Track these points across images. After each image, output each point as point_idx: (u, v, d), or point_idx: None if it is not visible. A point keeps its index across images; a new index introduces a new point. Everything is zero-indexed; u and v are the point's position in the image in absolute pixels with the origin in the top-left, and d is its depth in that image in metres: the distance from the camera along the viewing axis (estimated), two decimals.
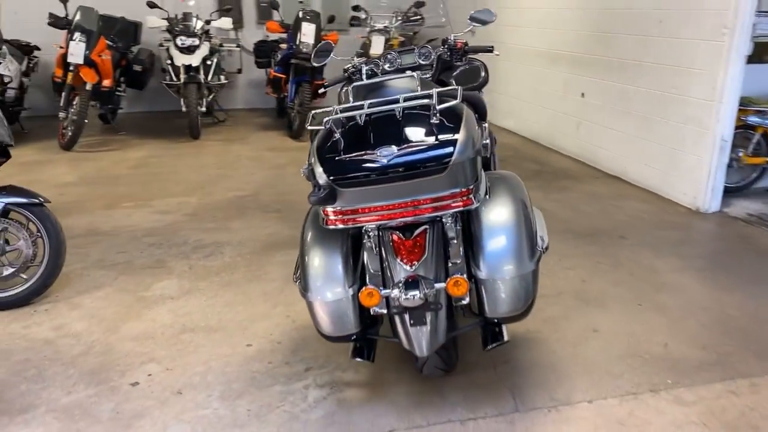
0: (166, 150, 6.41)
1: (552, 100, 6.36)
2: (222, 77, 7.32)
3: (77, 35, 6.22)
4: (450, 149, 1.77)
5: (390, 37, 6.97)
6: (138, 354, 2.61)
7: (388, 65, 3.21)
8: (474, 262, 2.02)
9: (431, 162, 1.77)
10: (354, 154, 1.81)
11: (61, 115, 6.29)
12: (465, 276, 1.96)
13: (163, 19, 6.88)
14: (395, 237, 2.02)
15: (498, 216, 2.08)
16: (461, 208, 1.87)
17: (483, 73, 3.30)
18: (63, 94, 6.28)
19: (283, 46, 7.01)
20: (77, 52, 6.17)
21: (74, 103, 6.26)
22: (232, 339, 2.71)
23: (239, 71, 8.17)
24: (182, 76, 6.71)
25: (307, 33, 6.66)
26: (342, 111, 1.91)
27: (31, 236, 3.03)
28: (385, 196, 1.81)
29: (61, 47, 6.35)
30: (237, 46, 8.04)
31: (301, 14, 6.75)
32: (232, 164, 5.80)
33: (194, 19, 6.92)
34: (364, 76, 3.05)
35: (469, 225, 2.09)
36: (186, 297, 3.12)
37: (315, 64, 3.14)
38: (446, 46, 3.13)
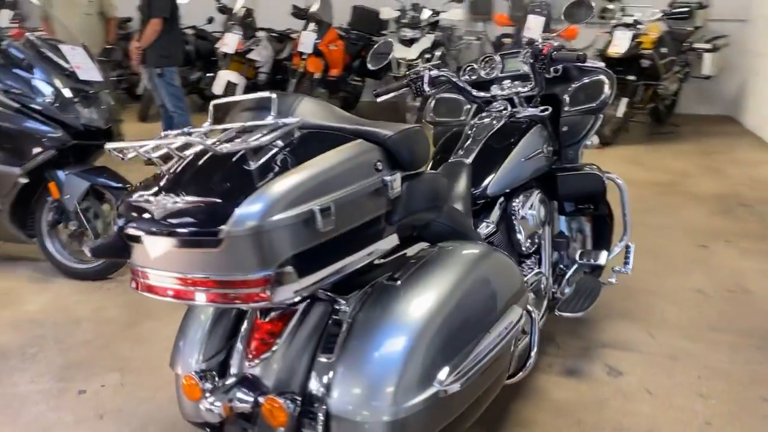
0: None
1: None
2: None
3: (310, 25, 6.57)
4: (226, 212, 1.14)
5: (639, 33, 5.70)
6: (120, 358, 2.52)
7: (485, 71, 2.50)
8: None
9: (201, 228, 1.17)
10: (140, 195, 1.30)
11: None
12: (289, 399, 1.31)
13: (395, 10, 6.83)
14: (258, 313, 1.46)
15: (382, 317, 1.35)
16: (249, 305, 1.22)
17: (607, 90, 2.35)
18: (293, 80, 6.73)
19: (507, 40, 6.32)
20: (307, 41, 6.52)
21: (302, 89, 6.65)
22: None
23: None
24: (402, 69, 6.57)
25: (533, 26, 5.85)
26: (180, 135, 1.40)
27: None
28: (158, 263, 1.27)
29: (297, 36, 6.79)
30: (476, 39, 7.57)
31: (529, 5, 5.97)
32: None
33: (423, 10, 6.69)
34: (425, 86, 2.41)
35: None
36: None
37: (371, 67, 2.60)
38: (531, 51, 2.29)
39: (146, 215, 1.22)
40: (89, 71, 3.09)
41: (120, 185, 3.12)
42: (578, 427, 2.09)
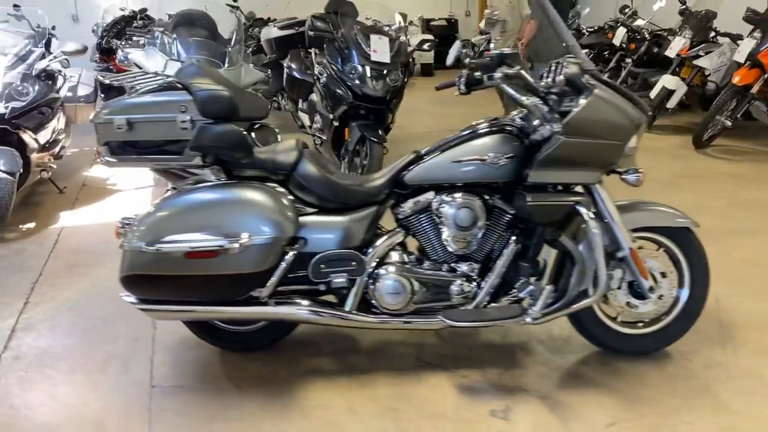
0: None
1: None
2: None
3: (755, 32, 5.69)
4: None
5: None
6: None
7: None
8: None
9: None
10: None
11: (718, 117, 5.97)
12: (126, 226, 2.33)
13: None
14: None
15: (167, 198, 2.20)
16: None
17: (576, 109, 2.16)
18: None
19: None
20: (743, 49, 5.71)
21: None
22: None
23: None
24: None
25: None
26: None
27: None
28: None
29: None
30: None
31: None
32: None
33: None
34: (462, 86, 2.61)
35: None
36: None
37: None
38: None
39: None
40: (382, 56, 4.29)
41: (378, 141, 4.26)
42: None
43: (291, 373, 2.43)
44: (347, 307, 2.32)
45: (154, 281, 2.17)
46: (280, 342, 2.59)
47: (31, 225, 4.06)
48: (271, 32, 6.43)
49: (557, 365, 2.48)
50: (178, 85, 2.25)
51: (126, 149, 2.25)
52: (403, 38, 4.60)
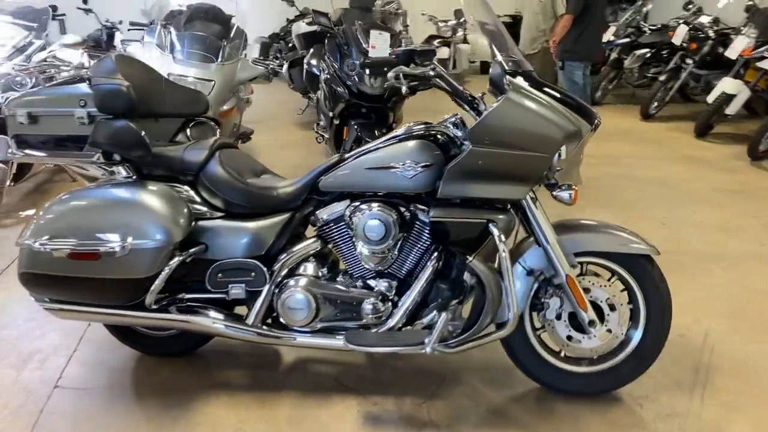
0: None
1: None
2: None
3: None
4: None
5: None
6: None
7: None
8: None
9: None
10: None
11: None
12: None
13: None
14: None
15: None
16: None
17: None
18: None
19: None
20: None
21: None
22: None
23: None
24: None
25: None
26: None
27: None
28: None
29: None
30: None
31: None
32: None
33: None
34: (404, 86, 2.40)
35: None
36: None
37: None
38: None
39: None
40: (381, 52, 4.08)
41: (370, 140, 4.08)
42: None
43: (199, 384, 2.31)
44: (249, 320, 2.17)
45: (45, 280, 2.10)
46: (201, 349, 2.48)
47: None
48: (301, 27, 6.37)
49: (486, 399, 2.22)
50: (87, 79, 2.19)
51: (34, 143, 2.21)
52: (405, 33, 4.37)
